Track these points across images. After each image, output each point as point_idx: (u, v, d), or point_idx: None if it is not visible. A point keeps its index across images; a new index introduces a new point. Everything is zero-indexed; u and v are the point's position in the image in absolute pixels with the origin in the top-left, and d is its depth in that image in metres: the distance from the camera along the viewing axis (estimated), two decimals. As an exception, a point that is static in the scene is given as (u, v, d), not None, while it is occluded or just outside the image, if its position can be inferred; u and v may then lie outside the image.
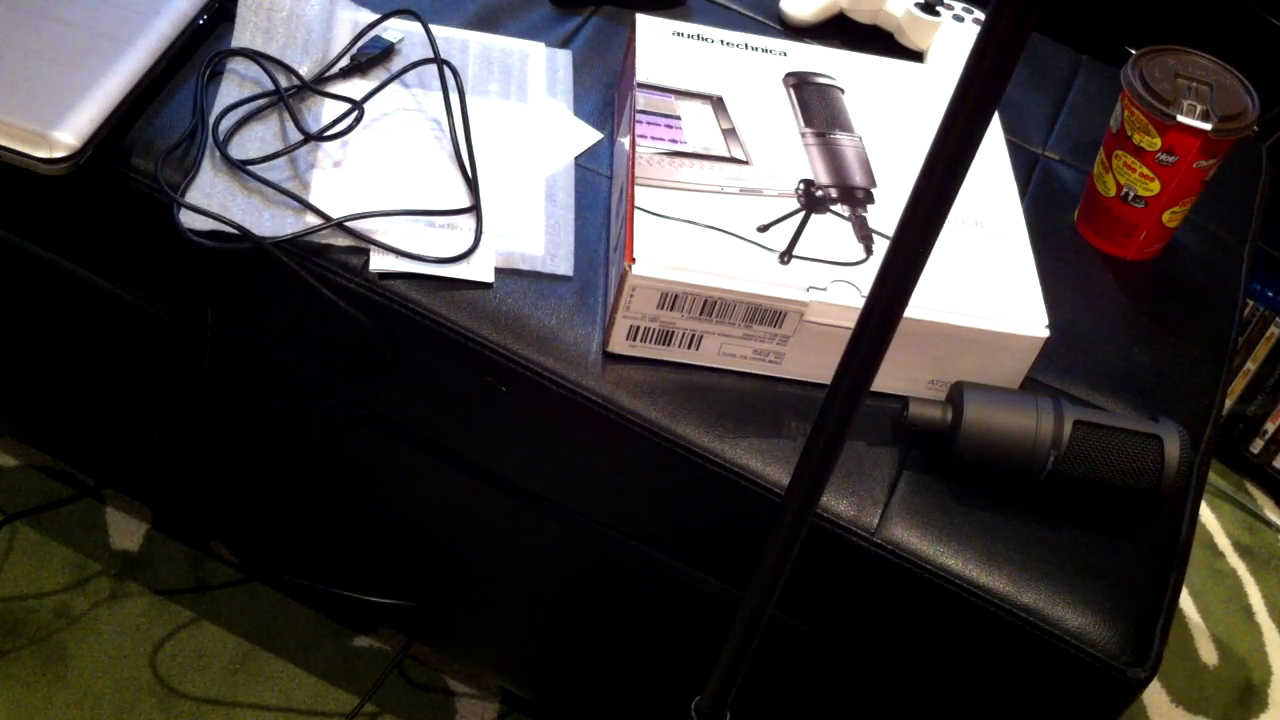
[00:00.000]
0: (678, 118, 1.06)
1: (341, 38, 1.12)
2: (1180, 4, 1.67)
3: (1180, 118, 1.08)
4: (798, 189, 1.03)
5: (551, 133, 1.11)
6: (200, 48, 1.09)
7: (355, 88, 1.09)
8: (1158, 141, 1.10)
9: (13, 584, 1.33)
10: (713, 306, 0.96)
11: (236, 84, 1.06)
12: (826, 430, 0.71)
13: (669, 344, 0.98)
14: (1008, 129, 1.26)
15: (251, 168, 1.01)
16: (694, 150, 1.04)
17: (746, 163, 1.04)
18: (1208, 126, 1.08)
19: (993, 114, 0.59)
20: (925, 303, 0.97)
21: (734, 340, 0.98)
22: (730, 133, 1.06)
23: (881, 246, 1.01)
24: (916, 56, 1.29)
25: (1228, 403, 1.78)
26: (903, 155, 1.08)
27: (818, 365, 1.00)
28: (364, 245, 0.99)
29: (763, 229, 0.99)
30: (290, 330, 1.06)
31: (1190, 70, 1.12)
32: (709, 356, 0.99)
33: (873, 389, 1.00)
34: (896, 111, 1.12)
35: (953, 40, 1.26)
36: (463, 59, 1.14)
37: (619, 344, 0.98)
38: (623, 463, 1.00)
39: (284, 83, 1.07)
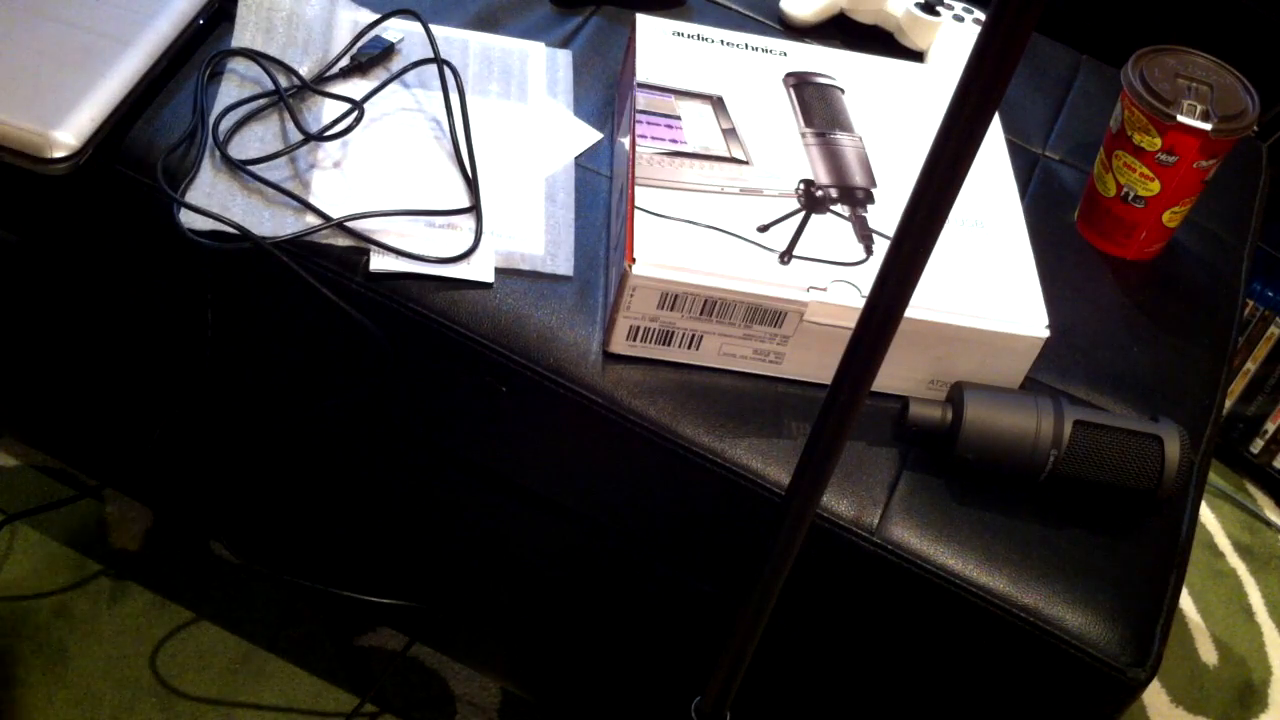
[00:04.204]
0: (678, 118, 1.06)
1: (341, 38, 1.12)
2: (1180, 4, 1.67)
3: (1180, 118, 1.08)
4: (798, 189, 1.03)
5: (551, 133, 1.11)
6: (200, 48, 1.09)
7: (355, 88, 1.09)
8: (1158, 141, 1.10)
9: (13, 584, 1.33)
10: (713, 306, 0.96)
11: (236, 84, 1.06)
12: (826, 430, 0.71)
13: (669, 344, 0.98)
14: (1008, 129, 1.26)
15: (251, 168, 1.01)
16: (694, 150, 1.04)
17: (746, 163, 1.04)
18: (1208, 126, 1.08)
19: (993, 114, 0.59)
20: (925, 303, 0.97)
21: (734, 340, 0.98)
22: (730, 133, 1.06)
23: (881, 246, 1.01)
24: (916, 56, 1.29)
25: (1228, 403, 1.78)
26: (903, 155, 1.08)
27: (818, 365, 1.00)
28: (364, 245, 0.99)
29: (763, 229, 0.99)
30: (290, 330, 1.06)
31: (1190, 70, 1.12)
32: (709, 356, 0.99)
33: (873, 389, 1.00)
34: (896, 111, 1.12)
35: (953, 40, 1.26)
36: (463, 59, 1.14)
37: (619, 344, 0.98)
38: (623, 463, 1.00)
39: (284, 83, 1.07)
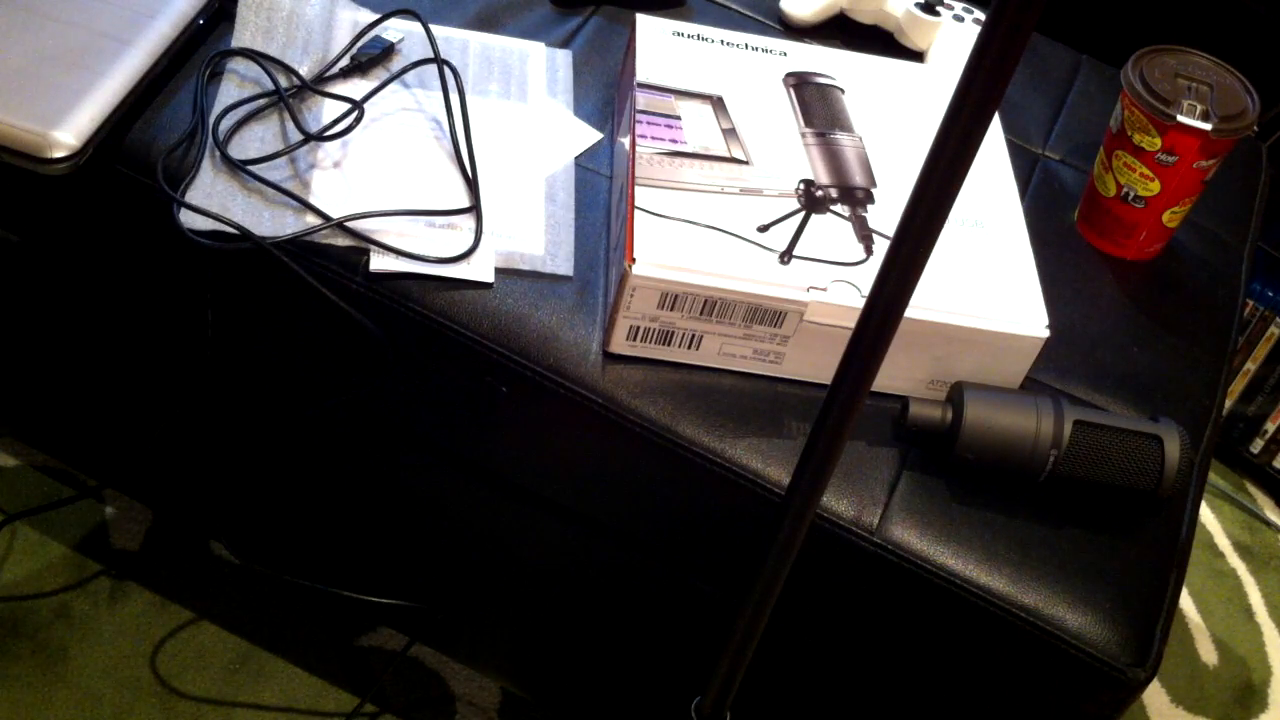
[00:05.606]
0: (678, 118, 1.06)
1: (341, 38, 1.12)
2: (1180, 4, 1.67)
3: (1180, 118, 1.08)
4: (798, 189, 1.03)
5: (551, 133, 1.11)
6: (200, 48, 1.09)
7: (355, 88, 1.09)
8: (1158, 141, 1.10)
9: (13, 584, 1.33)
10: (713, 306, 0.96)
11: (236, 84, 1.06)
12: (826, 430, 0.71)
13: (669, 344, 0.98)
14: (1008, 129, 1.26)
15: (251, 168, 1.01)
16: (694, 150, 1.04)
17: (746, 163, 1.04)
18: (1208, 126, 1.08)
19: (993, 114, 0.59)
20: (925, 303, 0.97)
21: (734, 340, 0.98)
22: (730, 133, 1.06)
23: (881, 246, 1.01)
24: (916, 56, 1.29)
25: (1228, 403, 1.78)
26: (903, 155, 1.08)
27: (818, 365, 1.00)
28: (364, 245, 0.99)
29: (763, 229, 0.99)
30: (290, 330, 1.06)
31: (1190, 70, 1.12)
32: (709, 356, 0.99)
33: (873, 389, 1.00)
34: (896, 111, 1.12)
35: (953, 40, 1.26)
36: (463, 59, 1.14)
37: (619, 344, 0.98)
38: (623, 463, 1.00)
39: (284, 83, 1.07)
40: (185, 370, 1.14)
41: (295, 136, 1.04)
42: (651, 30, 1.13)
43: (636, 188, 0.99)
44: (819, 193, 1.03)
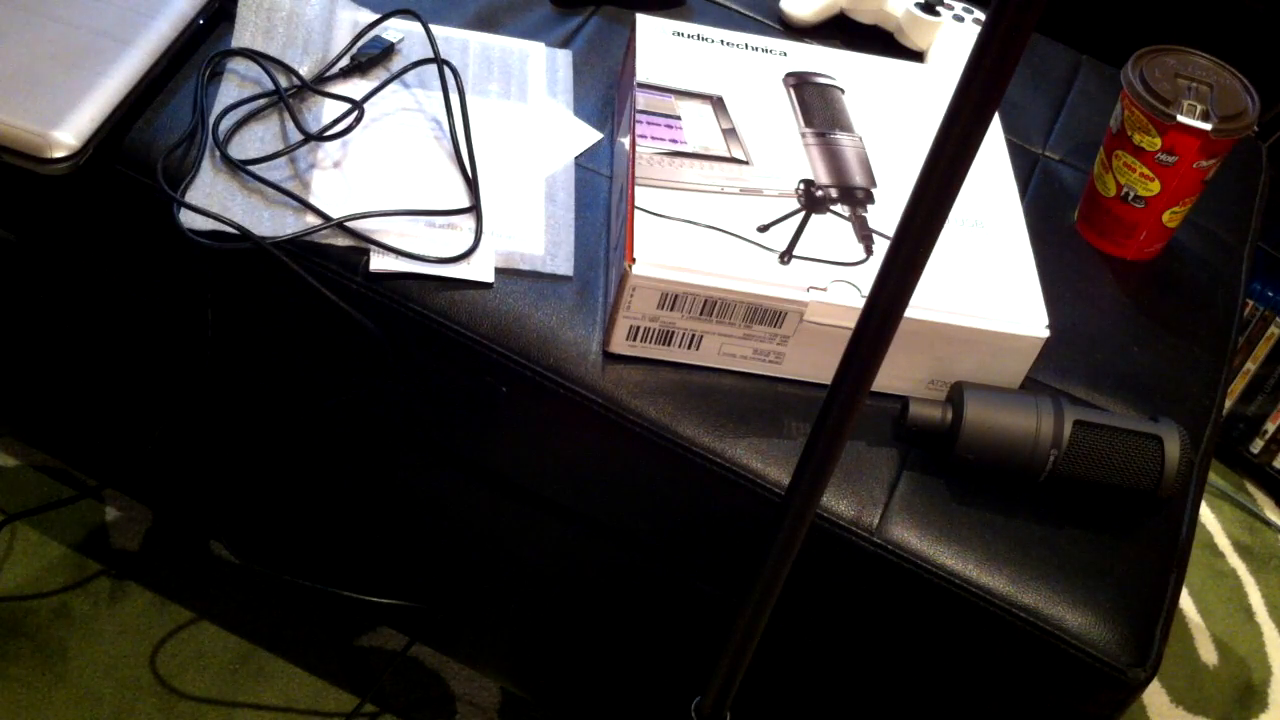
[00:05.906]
0: (678, 118, 1.06)
1: (341, 38, 1.12)
2: (1180, 4, 1.67)
3: (1180, 118, 1.08)
4: (798, 189, 1.03)
5: (551, 133, 1.11)
6: (200, 48, 1.09)
7: (355, 88, 1.09)
8: (1158, 141, 1.10)
9: (13, 584, 1.33)
10: (713, 306, 0.96)
11: (236, 84, 1.06)
12: (826, 430, 0.71)
13: (669, 344, 0.98)
14: (1008, 129, 1.26)
15: (251, 168, 1.01)
16: (694, 150, 1.04)
17: (746, 163, 1.04)
18: (1208, 126, 1.08)
19: (993, 114, 0.59)
20: (925, 303, 0.97)
21: (734, 340, 0.98)
22: (730, 133, 1.06)
23: (881, 246, 1.01)
24: (916, 56, 1.29)
25: (1228, 403, 1.78)
26: (903, 155, 1.08)
27: (818, 365, 1.00)
28: (364, 245, 0.99)
29: (763, 229, 0.99)
30: (290, 330, 1.06)
31: (1190, 70, 1.12)
32: (709, 356, 0.99)
33: (873, 389, 1.00)
34: (896, 111, 1.12)
35: (953, 40, 1.26)
36: (463, 59, 1.14)
37: (619, 344, 0.98)
38: (623, 463, 1.00)
39: (284, 83, 1.07)
40: (185, 370, 1.14)
41: (295, 136, 1.04)
42: (651, 30, 1.13)
43: (636, 188, 0.99)
44: (819, 193, 1.03)
